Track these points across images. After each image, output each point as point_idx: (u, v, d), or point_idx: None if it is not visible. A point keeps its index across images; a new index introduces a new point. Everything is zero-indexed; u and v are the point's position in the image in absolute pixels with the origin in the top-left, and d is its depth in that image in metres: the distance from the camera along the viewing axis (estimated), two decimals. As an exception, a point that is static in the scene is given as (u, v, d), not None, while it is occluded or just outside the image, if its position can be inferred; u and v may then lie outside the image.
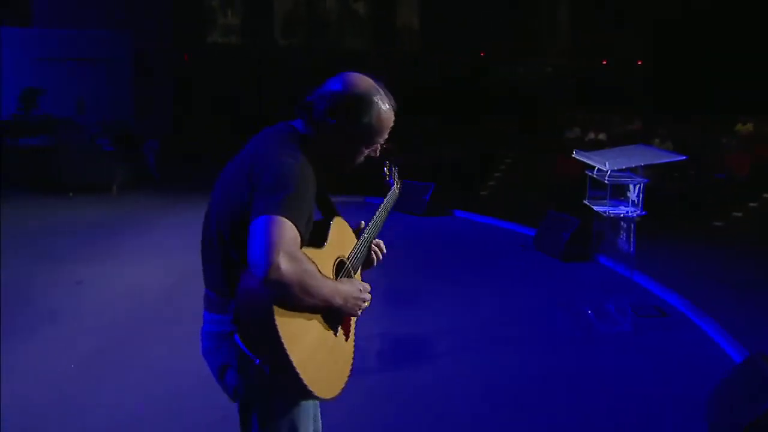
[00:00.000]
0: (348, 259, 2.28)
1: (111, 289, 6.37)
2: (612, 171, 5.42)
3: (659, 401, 4.36)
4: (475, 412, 4.22)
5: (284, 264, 1.81)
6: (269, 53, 19.26)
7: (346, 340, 2.26)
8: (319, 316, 2.06)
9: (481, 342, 5.32)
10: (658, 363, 4.99)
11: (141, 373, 4.58)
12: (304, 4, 21.12)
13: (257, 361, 1.94)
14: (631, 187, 5.54)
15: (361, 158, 2.24)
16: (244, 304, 1.93)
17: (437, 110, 16.85)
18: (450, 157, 14.50)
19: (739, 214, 10.42)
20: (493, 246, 8.49)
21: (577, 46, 20.42)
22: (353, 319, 2.29)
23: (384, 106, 2.18)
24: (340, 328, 2.20)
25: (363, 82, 2.18)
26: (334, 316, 2.13)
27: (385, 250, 2.50)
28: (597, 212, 5.73)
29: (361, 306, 2.17)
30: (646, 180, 5.51)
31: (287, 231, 1.87)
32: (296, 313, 1.94)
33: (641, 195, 5.49)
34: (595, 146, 13.18)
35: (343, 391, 2.18)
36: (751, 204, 10.76)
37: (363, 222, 2.47)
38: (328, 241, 2.17)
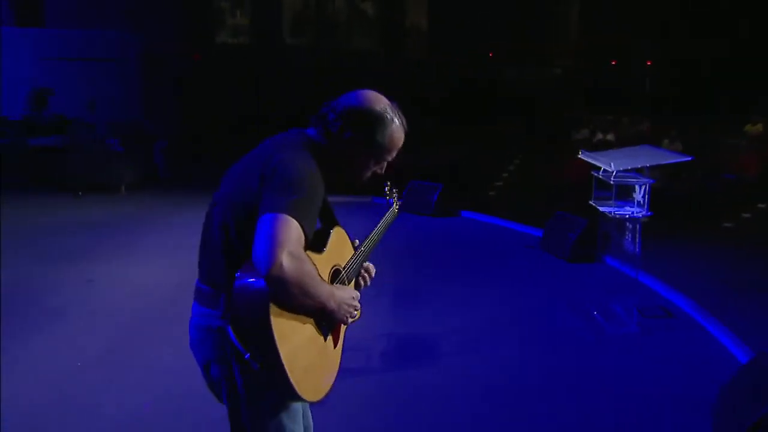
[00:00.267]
0: (344, 268, 2.35)
1: (118, 288, 6.40)
2: (617, 172, 5.42)
3: (664, 402, 4.35)
4: (475, 412, 4.22)
5: (287, 262, 1.86)
6: (277, 53, 19.30)
7: (335, 346, 2.30)
8: (311, 319, 2.11)
9: (485, 342, 5.32)
10: (664, 364, 4.98)
11: (144, 372, 4.60)
12: (313, 5, 21.17)
13: (247, 356, 1.96)
14: (637, 187, 5.53)
15: (369, 173, 2.32)
16: (241, 297, 1.96)
17: (445, 111, 16.88)
18: (457, 158, 14.50)
19: (748, 215, 10.36)
20: (500, 246, 8.49)
21: (586, 47, 20.39)
22: (343, 328, 2.34)
23: (397, 126, 2.26)
24: (330, 334, 2.25)
25: (380, 100, 2.25)
26: (325, 322, 2.18)
27: (373, 275, 2.56)
28: (603, 213, 5.72)
29: (352, 314, 2.21)
30: (651, 180, 5.50)
31: (293, 231, 1.92)
32: (290, 314, 1.99)
33: (647, 196, 5.48)
34: (603, 147, 13.13)
35: (327, 395, 2.21)
36: (760, 205, 10.70)
37: (357, 240, 2.53)
38: (327, 249, 2.24)
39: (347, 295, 2.18)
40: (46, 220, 9.21)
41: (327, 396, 2.20)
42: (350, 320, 2.23)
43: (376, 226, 2.62)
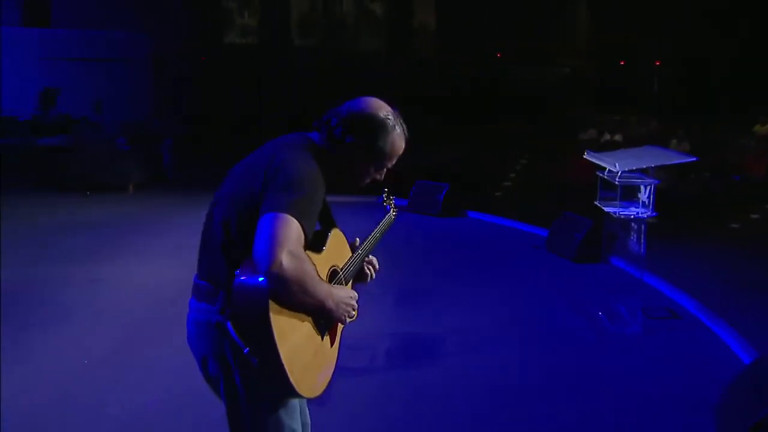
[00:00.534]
0: (341, 269, 2.40)
1: (124, 287, 6.44)
2: (622, 172, 5.41)
3: (669, 403, 4.35)
4: (475, 412, 4.23)
5: (286, 261, 1.90)
6: (285, 54, 19.34)
7: (331, 346, 2.33)
8: (309, 318, 2.15)
9: (489, 342, 5.33)
10: (668, 364, 4.97)
11: (148, 372, 4.62)
12: (321, 5, 21.19)
13: (246, 351, 1.99)
14: (642, 188, 5.52)
15: (368, 178, 2.38)
16: (241, 294, 1.99)
17: (452, 111, 16.87)
18: (464, 157, 14.49)
19: (756, 216, 10.31)
20: (506, 246, 8.49)
21: (595, 47, 20.35)
22: (340, 327, 2.37)
23: (398, 133, 2.31)
24: (327, 333, 2.28)
25: (383, 108, 2.30)
26: (323, 320, 2.21)
27: (378, 267, 2.62)
28: (608, 213, 5.72)
29: (350, 313, 2.25)
30: (656, 181, 5.49)
31: (293, 230, 1.97)
32: (289, 311, 2.02)
33: (652, 196, 5.47)
34: (611, 148, 13.09)
35: (323, 393, 2.24)
36: (768, 206, 10.65)
37: (358, 239, 2.59)
38: (325, 249, 2.28)
39: (345, 295, 2.22)
40: (53, 219, 9.26)
41: (324, 394, 2.23)
42: (348, 320, 2.27)
43: (373, 231, 2.68)
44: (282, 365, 1.97)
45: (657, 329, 5.61)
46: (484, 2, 19.19)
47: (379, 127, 2.27)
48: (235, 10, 20.96)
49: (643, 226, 5.60)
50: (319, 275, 2.06)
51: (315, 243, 2.22)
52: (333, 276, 2.33)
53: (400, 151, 2.36)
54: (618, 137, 15.80)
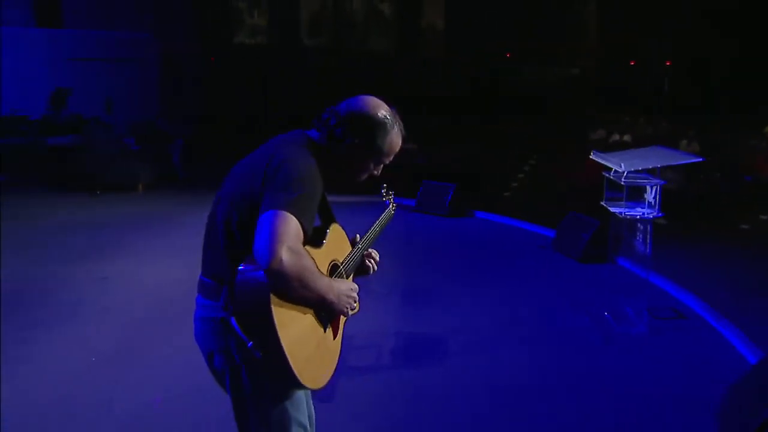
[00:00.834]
0: (342, 263, 2.44)
1: (130, 286, 6.49)
2: (628, 172, 5.41)
3: (674, 403, 4.35)
4: (476, 412, 4.24)
5: (286, 257, 1.95)
6: (295, 53, 19.38)
7: (334, 338, 2.37)
8: (311, 311, 2.19)
9: (493, 342, 5.34)
10: (674, 365, 4.96)
11: (153, 371, 4.65)
12: (331, 5, 21.22)
13: (249, 344, 2.04)
14: (648, 188, 5.52)
15: (366, 175, 2.43)
16: (244, 289, 2.04)
17: (462, 110, 16.85)
18: (472, 158, 14.48)
19: (766, 217, 10.26)
20: (512, 247, 8.49)
21: (604, 48, 20.29)
22: (342, 320, 2.41)
23: (396, 132, 2.38)
24: (329, 325, 2.32)
25: (381, 106, 2.37)
26: (325, 313, 2.25)
27: (378, 259, 2.68)
28: (614, 213, 5.71)
29: (352, 305, 2.29)
30: (663, 181, 5.48)
31: (292, 227, 2.01)
32: (291, 305, 2.07)
33: (658, 196, 5.46)
34: (619, 148, 13.05)
35: (327, 384, 2.28)
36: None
37: (358, 235, 2.65)
38: (325, 244, 2.33)
39: (346, 288, 2.26)
40: (62, 218, 9.33)
41: (329, 392, 2.26)
42: (350, 312, 2.31)
43: (372, 226, 2.73)
44: (285, 356, 2.01)
45: (663, 329, 5.60)
46: (493, 3, 19.16)
47: (378, 126, 2.33)
48: (244, 10, 21.01)
49: (649, 227, 5.60)
50: (319, 270, 2.11)
51: (314, 238, 2.26)
52: (334, 270, 2.37)
53: (398, 149, 2.42)
54: (627, 137, 15.73)
